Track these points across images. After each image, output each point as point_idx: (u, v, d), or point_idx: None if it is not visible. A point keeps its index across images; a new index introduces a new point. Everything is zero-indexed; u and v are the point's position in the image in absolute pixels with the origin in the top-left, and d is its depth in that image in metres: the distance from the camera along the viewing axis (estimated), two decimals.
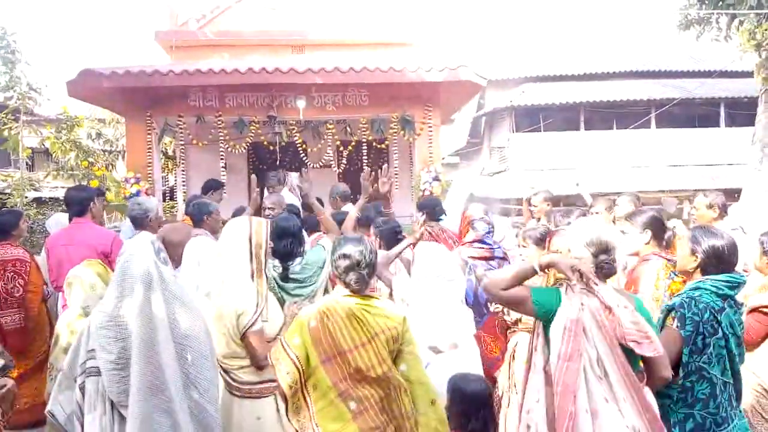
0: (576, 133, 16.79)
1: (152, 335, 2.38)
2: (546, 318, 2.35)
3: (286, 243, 3.49)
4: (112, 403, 2.37)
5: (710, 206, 4.55)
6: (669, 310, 2.65)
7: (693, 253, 2.68)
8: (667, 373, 2.36)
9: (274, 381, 2.54)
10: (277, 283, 3.41)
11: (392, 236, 4.05)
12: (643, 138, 16.35)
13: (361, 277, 2.54)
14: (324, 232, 4.16)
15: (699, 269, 2.68)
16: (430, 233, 4.76)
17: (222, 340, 2.80)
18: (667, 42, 17.55)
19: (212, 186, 5.98)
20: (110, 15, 47.49)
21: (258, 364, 2.77)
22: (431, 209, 5.29)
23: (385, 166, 4.28)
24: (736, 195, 10.24)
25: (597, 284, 2.30)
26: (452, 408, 2.65)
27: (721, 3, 9.60)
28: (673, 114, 16.41)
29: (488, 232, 4.24)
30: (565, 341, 2.25)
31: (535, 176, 13.79)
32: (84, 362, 2.41)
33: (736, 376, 2.62)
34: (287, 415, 2.46)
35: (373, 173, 4.06)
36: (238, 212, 4.54)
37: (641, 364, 2.38)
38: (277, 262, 3.48)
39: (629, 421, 2.18)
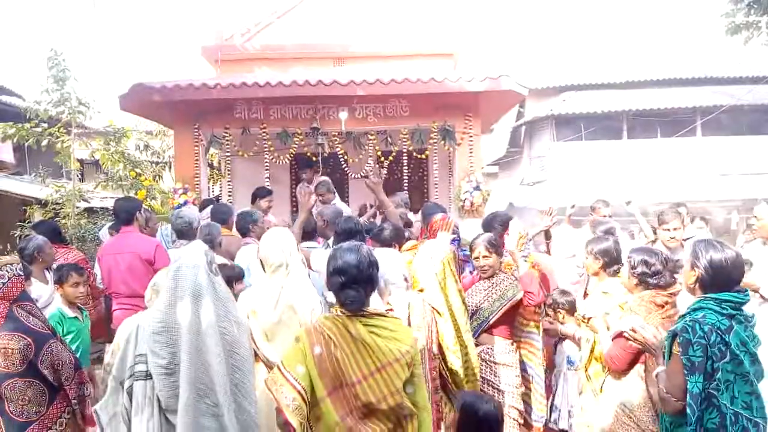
0: (618, 141, 16.48)
1: (202, 342, 2.47)
2: None
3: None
4: (159, 407, 2.45)
5: None
6: (674, 336, 2.43)
7: (692, 267, 2.48)
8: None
9: None
10: None
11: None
12: (688, 146, 15.93)
13: (358, 295, 2.25)
14: None
15: (698, 285, 2.47)
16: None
17: None
18: (714, 47, 17.09)
19: (258, 194, 6.32)
20: (159, 31, 48.97)
21: None
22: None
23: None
24: None
25: None
26: (462, 427, 2.53)
27: None
28: (720, 121, 15.94)
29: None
30: None
31: (575, 188, 13.60)
32: (132, 366, 2.49)
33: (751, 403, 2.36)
34: None
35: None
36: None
37: None
38: None
39: None
